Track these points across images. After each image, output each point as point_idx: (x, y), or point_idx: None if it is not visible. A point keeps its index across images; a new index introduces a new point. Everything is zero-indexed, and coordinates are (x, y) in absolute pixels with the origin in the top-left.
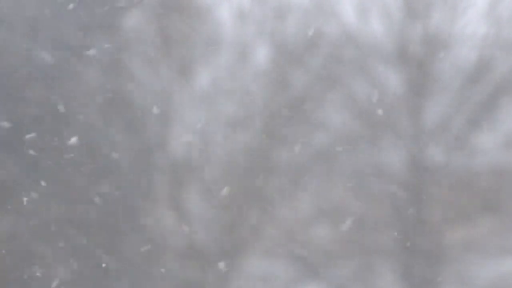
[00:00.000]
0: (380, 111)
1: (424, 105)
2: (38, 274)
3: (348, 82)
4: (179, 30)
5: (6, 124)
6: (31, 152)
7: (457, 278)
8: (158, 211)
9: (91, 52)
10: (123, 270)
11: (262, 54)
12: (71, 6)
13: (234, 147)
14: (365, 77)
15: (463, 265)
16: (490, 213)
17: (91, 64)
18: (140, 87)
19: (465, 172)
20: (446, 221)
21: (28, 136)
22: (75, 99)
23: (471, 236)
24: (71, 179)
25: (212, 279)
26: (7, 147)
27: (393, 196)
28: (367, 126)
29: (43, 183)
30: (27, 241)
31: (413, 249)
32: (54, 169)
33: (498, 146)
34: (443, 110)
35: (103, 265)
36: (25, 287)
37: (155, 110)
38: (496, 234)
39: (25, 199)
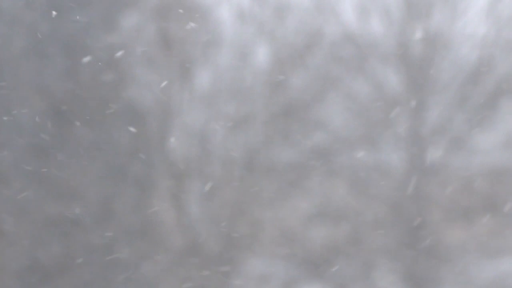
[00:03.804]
0: (380, 111)
1: (424, 105)
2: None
3: (348, 82)
4: (179, 30)
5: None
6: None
7: (457, 278)
8: (158, 210)
9: (91, 52)
10: (123, 270)
11: (262, 54)
12: (70, 5)
13: (234, 147)
14: (365, 77)
15: (463, 265)
16: (490, 213)
17: (91, 64)
18: (140, 87)
19: (465, 172)
20: (446, 221)
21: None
22: (75, 99)
23: (471, 236)
24: (70, 178)
25: (212, 279)
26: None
27: (393, 196)
28: (367, 126)
29: (42, 182)
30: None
31: (413, 249)
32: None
33: (498, 146)
34: (443, 110)
35: (103, 264)
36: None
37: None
38: (496, 234)
39: (21, 196)
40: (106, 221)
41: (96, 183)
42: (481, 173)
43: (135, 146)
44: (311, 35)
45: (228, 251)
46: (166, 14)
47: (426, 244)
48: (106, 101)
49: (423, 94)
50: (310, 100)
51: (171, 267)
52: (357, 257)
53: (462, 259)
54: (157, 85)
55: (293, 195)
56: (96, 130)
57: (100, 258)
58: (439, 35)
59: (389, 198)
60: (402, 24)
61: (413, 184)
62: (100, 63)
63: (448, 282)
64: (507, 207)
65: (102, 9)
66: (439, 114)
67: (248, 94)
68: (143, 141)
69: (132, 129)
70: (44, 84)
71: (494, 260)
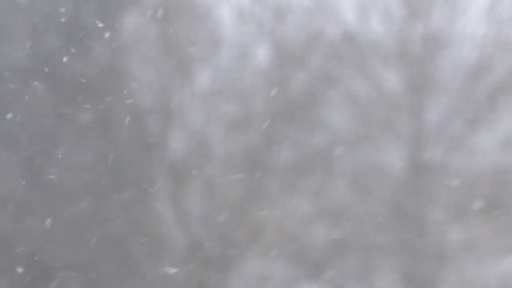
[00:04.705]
0: (380, 111)
1: (424, 105)
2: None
3: (348, 82)
4: (179, 30)
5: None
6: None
7: (457, 278)
8: (158, 211)
9: (91, 52)
10: (123, 270)
11: (262, 54)
12: (71, 5)
13: (234, 147)
14: (365, 76)
15: (463, 265)
16: (490, 213)
17: (91, 64)
18: (140, 87)
19: (465, 172)
20: (446, 221)
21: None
22: (75, 99)
23: (471, 236)
24: (70, 180)
25: (212, 279)
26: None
27: (393, 196)
28: (367, 126)
29: (43, 185)
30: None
31: (413, 249)
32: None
33: (498, 146)
34: (443, 110)
35: (103, 264)
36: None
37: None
38: (496, 234)
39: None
40: (105, 220)
41: (96, 183)
42: (481, 173)
43: (135, 146)
44: (311, 35)
45: (228, 251)
46: (166, 14)
47: (426, 244)
48: (105, 100)
49: (423, 94)
50: (310, 100)
51: (171, 267)
52: (357, 257)
53: (462, 259)
54: (157, 85)
55: (293, 195)
56: (95, 130)
57: (99, 258)
58: (439, 35)
59: (389, 198)
60: (402, 24)
61: (413, 184)
62: (99, 63)
63: (448, 282)
64: (507, 207)
65: (102, 9)
66: (439, 114)
67: (248, 94)
68: (143, 141)
69: (132, 128)
70: (42, 85)
71: (494, 260)
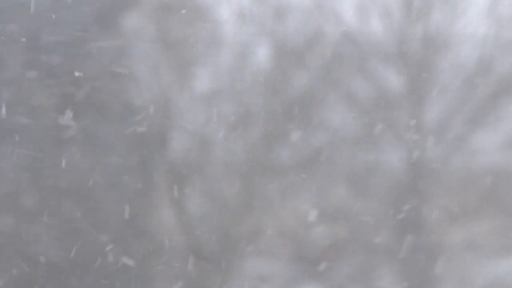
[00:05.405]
0: (380, 111)
1: (424, 105)
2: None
3: (348, 82)
4: (179, 30)
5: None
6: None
7: (457, 278)
8: (158, 211)
9: (91, 51)
10: (123, 270)
11: (262, 54)
12: (70, 5)
13: (234, 147)
14: (365, 77)
15: (463, 265)
16: (490, 213)
17: (90, 64)
18: (140, 87)
19: (465, 172)
20: (446, 221)
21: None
22: (74, 99)
23: (471, 236)
24: (70, 180)
25: (212, 279)
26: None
27: (393, 195)
28: (367, 126)
29: (41, 184)
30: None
31: (413, 249)
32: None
33: (498, 146)
34: (443, 110)
35: (102, 265)
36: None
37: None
38: (496, 234)
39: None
40: (105, 221)
41: (95, 183)
42: (481, 173)
43: (135, 146)
44: (311, 35)
45: (228, 251)
46: (166, 14)
47: (426, 244)
48: (105, 101)
49: (423, 94)
50: (310, 100)
51: (171, 267)
52: (357, 257)
53: (462, 259)
54: (157, 85)
55: (293, 195)
56: (95, 130)
57: (99, 259)
58: (439, 35)
59: (389, 198)
60: (402, 24)
61: (413, 184)
62: (99, 63)
63: (448, 282)
64: (507, 207)
65: (102, 8)
66: (439, 114)
67: (248, 94)
68: (143, 141)
69: (131, 129)
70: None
71: (494, 260)
